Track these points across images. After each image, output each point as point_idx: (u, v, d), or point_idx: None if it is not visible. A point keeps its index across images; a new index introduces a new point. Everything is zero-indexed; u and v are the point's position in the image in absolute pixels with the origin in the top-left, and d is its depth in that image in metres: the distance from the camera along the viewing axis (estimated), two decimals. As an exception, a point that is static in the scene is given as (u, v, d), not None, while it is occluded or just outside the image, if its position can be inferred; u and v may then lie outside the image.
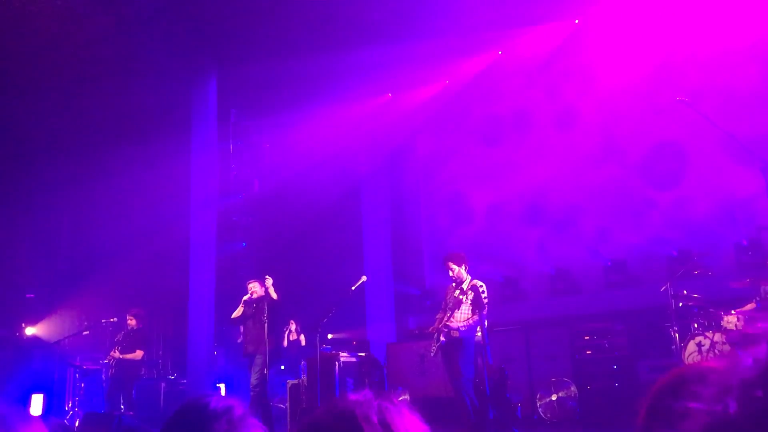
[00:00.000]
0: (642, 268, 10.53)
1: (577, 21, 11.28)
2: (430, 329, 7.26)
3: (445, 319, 7.05)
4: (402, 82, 13.00)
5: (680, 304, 7.86)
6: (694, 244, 9.97)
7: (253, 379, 8.31)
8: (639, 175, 11.09)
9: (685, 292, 7.91)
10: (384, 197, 13.71)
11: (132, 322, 10.19)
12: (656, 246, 10.44)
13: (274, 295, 8.60)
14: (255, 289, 8.78)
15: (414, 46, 11.37)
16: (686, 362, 7.60)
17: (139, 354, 10.13)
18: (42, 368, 10.47)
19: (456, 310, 7.04)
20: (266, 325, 8.26)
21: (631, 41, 11.12)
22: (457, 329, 6.87)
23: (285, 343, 12.29)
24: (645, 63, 11.02)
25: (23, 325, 11.72)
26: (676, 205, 10.63)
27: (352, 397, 1.09)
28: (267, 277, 8.83)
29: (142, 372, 10.88)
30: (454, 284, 7.29)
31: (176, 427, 1.44)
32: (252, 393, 8.21)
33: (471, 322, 6.86)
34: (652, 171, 11.00)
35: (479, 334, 6.73)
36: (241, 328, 9.43)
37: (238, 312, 8.82)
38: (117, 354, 10.01)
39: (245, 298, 8.75)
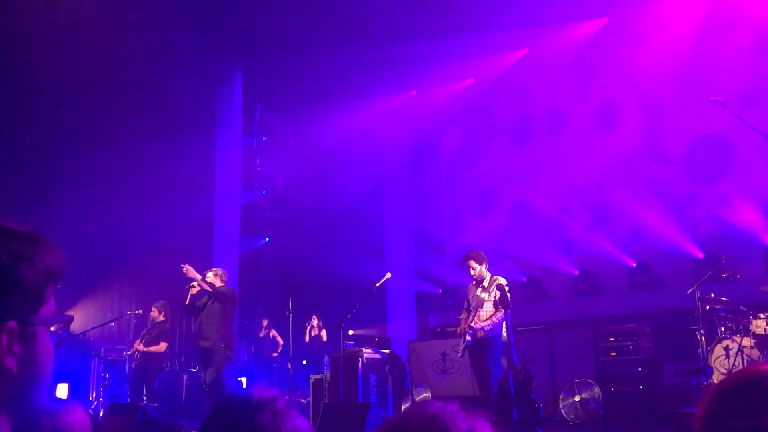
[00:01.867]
0: (668, 270, 10.43)
1: (608, 19, 11.18)
2: (457, 330, 7.24)
3: (470, 318, 7.03)
4: (427, 79, 12.98)
5: (707, 307, 7.76)
6: (722, 246, 9.85)
7: (206, 376, 7.87)
8: (671, 176, 10.96)
9: (712, 294, 7.80)
10: (407, 194, 13.71)
11: (155, 314, 10.27)
12: (683, 248, 10.33)
13: (206, 286, 7.98)
14: (210, 279, 8.17)
15: (439, 43, 11.33)
16: (713, 366, 7.51)
17: (162, 346, 10.20)
18: (67, 358, 10.59)
19: (479, 309, 7.02)
20: (290, 317, 8.25)
21: (669, 36, 10.98)
22: (482, 328, 6.84)
23: (306, 338, 12.34)
24: (684, 58, 10.85)
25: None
26: (706, 208, 10.50)
27: (439, 403, 1.10)
28: (183, 266, 8.08)
29: (165, 364, 10.97)
30: (474, 283, 7.26)
31: (221, 417, 1.43)
32: (207, 390, 7.80)
33: (495, 319, 6.83)
34: (684, 172, 10.88)
35: (505, 333, 6.70)
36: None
37: (188, 300, 8.25)
38: (141, 347, 10.09)
39: (192, 284, 8.16)
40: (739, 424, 1.04)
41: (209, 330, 8.04)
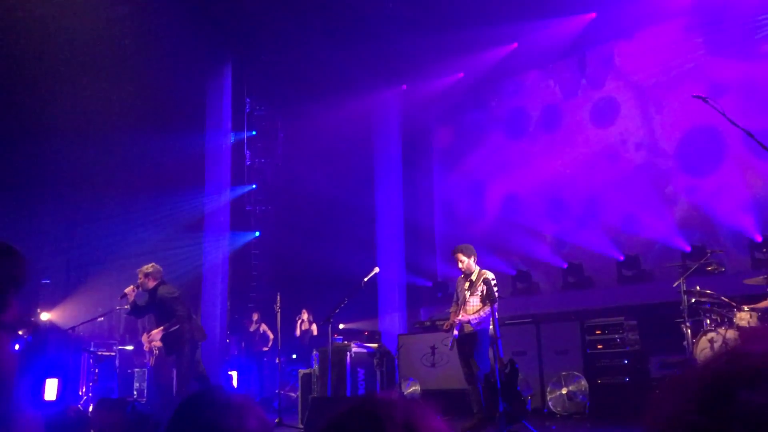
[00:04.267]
0: (655, 264, 10.50)
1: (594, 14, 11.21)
2: (445, 325, 7.28)
3: (458, 312, 7.08)
4: (417, 73, 12.98)
5: (693, 300, 7.82)
6: (708, 239, 9.92)
7: (176, 376, 7.66)
8: (660, 168, 11.03)
9: (698, 287, 7.86)
10: (398, 188, 13.73)
11: None
12: (670, 241, 10.40)
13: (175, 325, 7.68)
14: (141, 280, 7.83)
15: (428, 37, 11.34)
16: (698, 358, 7.58)
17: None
18: (57, 353, 10.58)
19: (466, 304, 7.07)
20: (279, 312, 8.26)
21: (657, 29, 11.02)
22: (469, 321, 6.89)
23: (297, 332, 12.37)
24: (673, 51, 10.89)
25: (38, 310, 11.86)
26: (693, 201, 10.57)
27: (379, 396, 1.08)
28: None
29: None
30: (463, 276, 7.30)
31: (178, 420, 1.45)
32: (178, 390, 7.63)
33: (482, 313, 6.87)
34: (673, 164, 10.95)
35: (491, 327, 6.75)
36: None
37: (129, 299, 7.92)
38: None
39: (128, 290, 7.87)
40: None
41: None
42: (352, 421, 1.05)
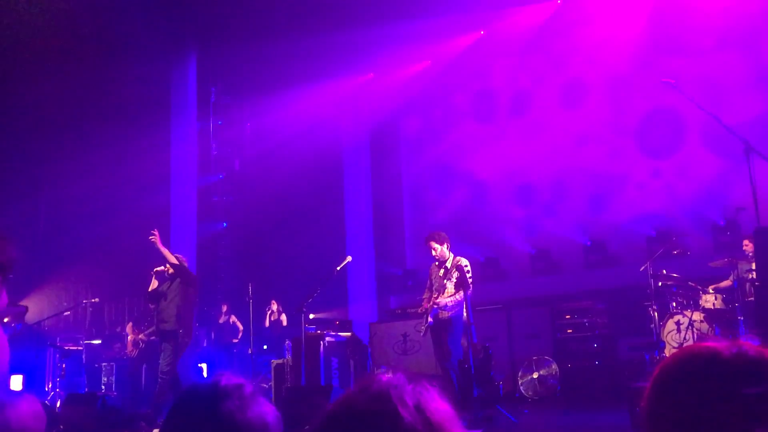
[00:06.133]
0: (622, 248, 10.66)
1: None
2: (419, 310, 7.29)
3: (432, 299, 7.09)
4: (384, 62, 12.94)
5: (659, 284, 7.99)
6: (673, 224, 10.11)
7: (163, 363, 7.72)
8: (624, 153, 11.17)
9: (664, 271, 8.03)
10: (366, 177, 13.70)
11: None
12: (636, 226, 10.57)
13: (172, 259, 7.88)
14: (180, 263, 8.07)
15: (394, 26, 11.31)
16: (665, 340, 7.75)
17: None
18: (22, 349, 10.37)
19: (442, 290, 7.08)
20: (251, 303, 8.21)
21: (620, 16, 11.13)
22: (445, 306, 6.90)
23: (266, 323, 12.30)
24: (636, 36, 11.01)
25: (2, 305, 11.61)
26: (657, 185, 10.75)
27: (385, 378, 1.08)
28: (152, 233, 7.86)
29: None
30: (437, 263, 7.31)
31: (187, 405, 1.43)
32: (161, 379, 7.67)
33: (458, 298, 6.89)
34: (637, 148, 11.10)
35: (465, 313, 6.78)
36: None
37: (152, 285, 8.11)
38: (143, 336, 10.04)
39: (158, 269, 8.08)
40: (683, 402, 1.07)
41: (168, 313, 7.90)
42: (364, 404, 1.04)
